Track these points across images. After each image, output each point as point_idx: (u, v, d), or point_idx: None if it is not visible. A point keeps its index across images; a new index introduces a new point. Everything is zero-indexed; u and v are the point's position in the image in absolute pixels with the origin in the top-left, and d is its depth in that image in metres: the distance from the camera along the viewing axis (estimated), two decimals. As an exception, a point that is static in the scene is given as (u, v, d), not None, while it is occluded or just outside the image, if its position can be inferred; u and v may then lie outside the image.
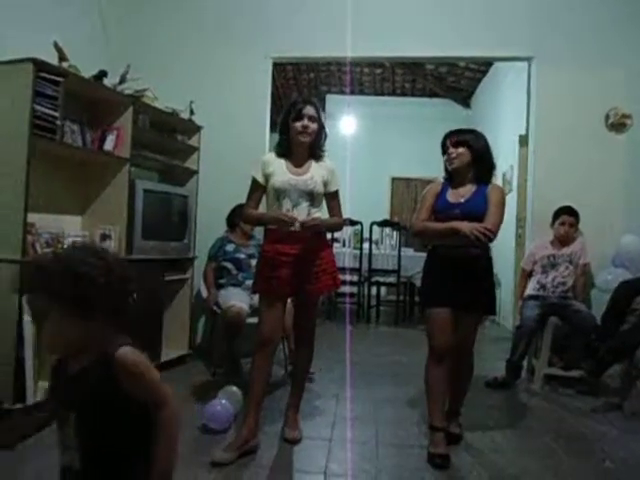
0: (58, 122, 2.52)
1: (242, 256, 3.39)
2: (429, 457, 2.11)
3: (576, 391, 3.14)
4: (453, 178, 2.31)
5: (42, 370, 2.34)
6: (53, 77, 2.48)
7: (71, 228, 2.99)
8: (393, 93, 8.68)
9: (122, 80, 3.05)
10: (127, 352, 1.01)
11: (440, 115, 7.52)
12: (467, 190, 2.25)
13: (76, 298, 0.97)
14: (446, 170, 2.33)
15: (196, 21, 4.02)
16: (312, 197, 2.21)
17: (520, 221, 4.96)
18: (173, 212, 3.47)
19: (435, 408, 2.18)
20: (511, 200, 5.20)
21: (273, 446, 2.21)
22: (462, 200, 2.22)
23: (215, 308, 3.25)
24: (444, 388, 2.21)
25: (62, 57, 2.71)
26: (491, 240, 2.06)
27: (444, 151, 2.30)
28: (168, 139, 3.55)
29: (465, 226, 2.06)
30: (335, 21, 3.85)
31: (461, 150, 2.23)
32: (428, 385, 2.21)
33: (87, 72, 2.84)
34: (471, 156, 2.23)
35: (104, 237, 2.99)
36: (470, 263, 2.19)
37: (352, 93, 8.55)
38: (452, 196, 2.26)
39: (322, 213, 2.27)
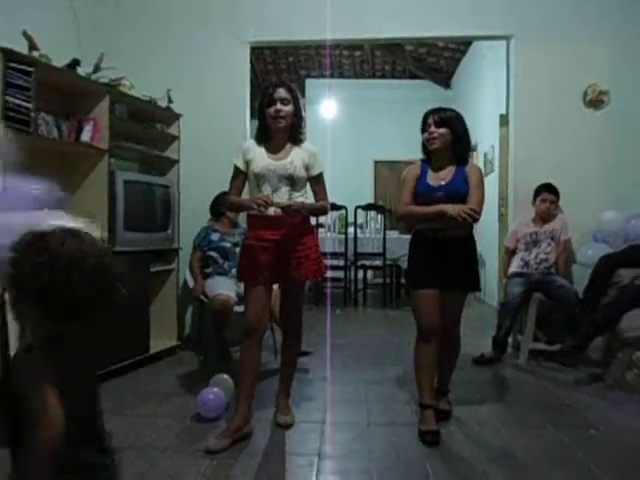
0: (32, 114, 2.46)
1: (227, 245, 3.37)
2: (420, 435, 2.15)
3: (559, 363, 3.22)
4: (432, 159, 2.31)
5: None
6: (24, 67, 2.41)
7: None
8: (373, 76, 8.63)
9: (96, 69, 2.97)
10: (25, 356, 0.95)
11: (421, 97, 7.47)
12: (447, 172, 2.26)
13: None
14: (424, 149, 2.33)
15: (170, 7, 3.92)
16: (293, 181, 2.19)
17: (502, 200, 5.01)
18: (155, 203, 3.42)
19: (424, 386, 2.22)
20: (493, 180, 5.24)
21: (266, 432, 2.23)
22: (443, 183, 2.24)
23: (202, 298, 3.24)
24: (432, 366, 2.24)
25: (32, 46, 2.63)
26: (476, 220, 2.08)
27: (424, 129, 2.29)
28: (147, 128, 3.48)
29: (451, 208, 2.07)
30: (312, 3, 3.79)
31: (442, 130, 2.22)
32: (417, 364, 2.25)
33: (59, 61, 2.76)
34: (452, 137, 2.23)
35: (86, 230, 2.94)
36: (455, 244, 2.22)
37: (332, 76, 8.46)
38: (433, 179, 2.27)
39: (307, 198, 2.26)
